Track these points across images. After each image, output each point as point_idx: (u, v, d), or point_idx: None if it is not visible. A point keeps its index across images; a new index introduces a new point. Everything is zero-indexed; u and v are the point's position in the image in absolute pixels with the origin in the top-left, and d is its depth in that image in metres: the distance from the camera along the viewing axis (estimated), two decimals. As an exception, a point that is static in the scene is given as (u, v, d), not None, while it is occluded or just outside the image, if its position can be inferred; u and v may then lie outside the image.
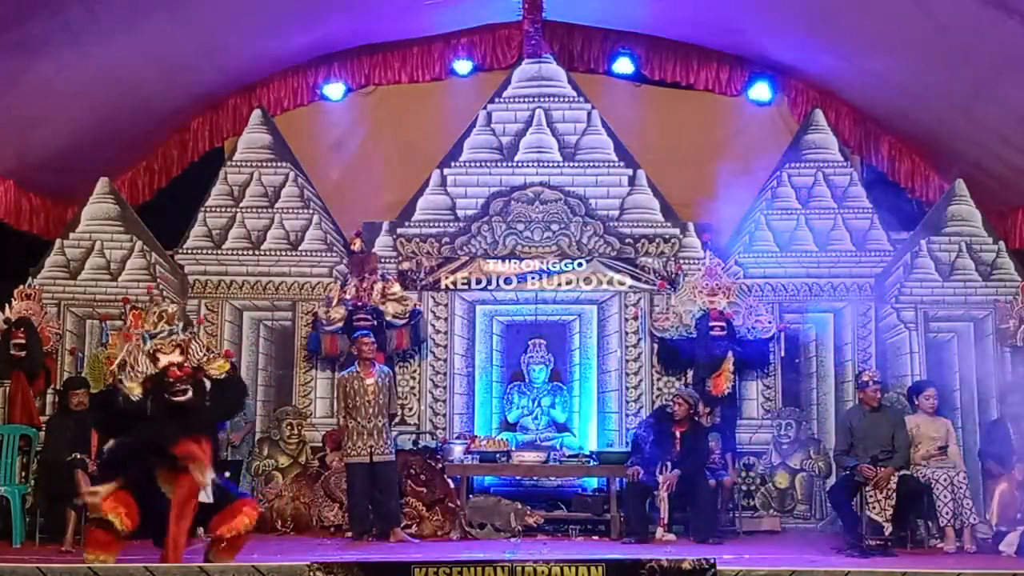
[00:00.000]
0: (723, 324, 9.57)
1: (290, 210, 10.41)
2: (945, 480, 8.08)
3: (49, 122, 9.70)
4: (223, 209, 10.40)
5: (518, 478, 9.63)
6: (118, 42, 9.26)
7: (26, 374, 9.05)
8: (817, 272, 10.19)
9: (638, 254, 10.19)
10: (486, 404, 10.27)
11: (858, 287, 10.17)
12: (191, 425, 6.15)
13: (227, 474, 8.01)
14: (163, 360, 6.21)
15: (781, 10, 10.01)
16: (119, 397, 6.23)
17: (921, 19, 8.98)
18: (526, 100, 10.61)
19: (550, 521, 9.08)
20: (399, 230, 10.33)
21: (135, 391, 6.19)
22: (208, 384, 6.31)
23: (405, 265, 10.22)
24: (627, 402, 10.05)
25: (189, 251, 10.32)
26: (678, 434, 8.67)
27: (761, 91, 11.18)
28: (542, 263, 10.20)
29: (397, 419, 9.26)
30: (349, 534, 8.62)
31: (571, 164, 10.45)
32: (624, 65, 11.22)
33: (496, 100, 10.62)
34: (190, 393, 6.18)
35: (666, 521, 8.50)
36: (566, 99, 10.62)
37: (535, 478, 9.58)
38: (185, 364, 6.22)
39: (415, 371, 10.16)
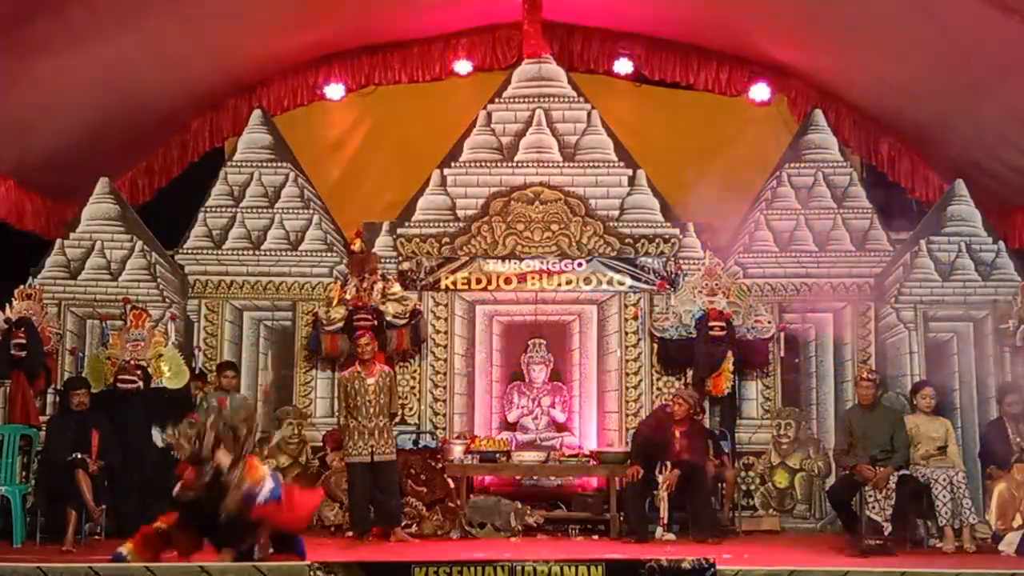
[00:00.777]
0: (723, 324, 9.58)
1: (290, 210, 10.41)
2: (944, 480, 8.09)
3: (49, 122, 9.71)
4: (223, 209, 10.40)
5: (518, 478, 9.63)
6: (118, 42, 9.27)
7: (26, 374, 9.05)
8: (817, 272, 10.19)
9: (638, 254, 10.19)
10: (486, 404, 10.27)
11: (858, 287, 10.17)
12: None
13: None
14: (218, 454, 6.19)
15: (781, 10, 10.01)
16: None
17: (921, 19, 8.99)
18: (526, 100, 10.61)
19: (550, 521, 9.09)
20: (399, 230, 10.34)
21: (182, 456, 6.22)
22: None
23: (405, 265, 10.22)
24: (627, 402, 10.05)
25: (189, 251, 10.32)
26: (678, 434, 8.67)
27: (761, 91, 11.18)
28: (542, 263, 10.20)
29: (397, 419, 9.26)
30: (349, 534, 8.63)
31: (571, 164, 10.45)
32: (624, 65, 11.22)
33: (496, 100, 10.63)
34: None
35: (666, 521, 8.51)
36: (566, 99, 10.62)
37: (535, 478, 9.58)
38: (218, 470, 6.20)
39: (415, 371, 10.16)
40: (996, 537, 8.01)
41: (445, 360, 10.18)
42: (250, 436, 6.42)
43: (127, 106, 10.14)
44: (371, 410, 8.50)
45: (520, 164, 10.47)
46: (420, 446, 9.45)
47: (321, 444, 9.68)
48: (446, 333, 10.19)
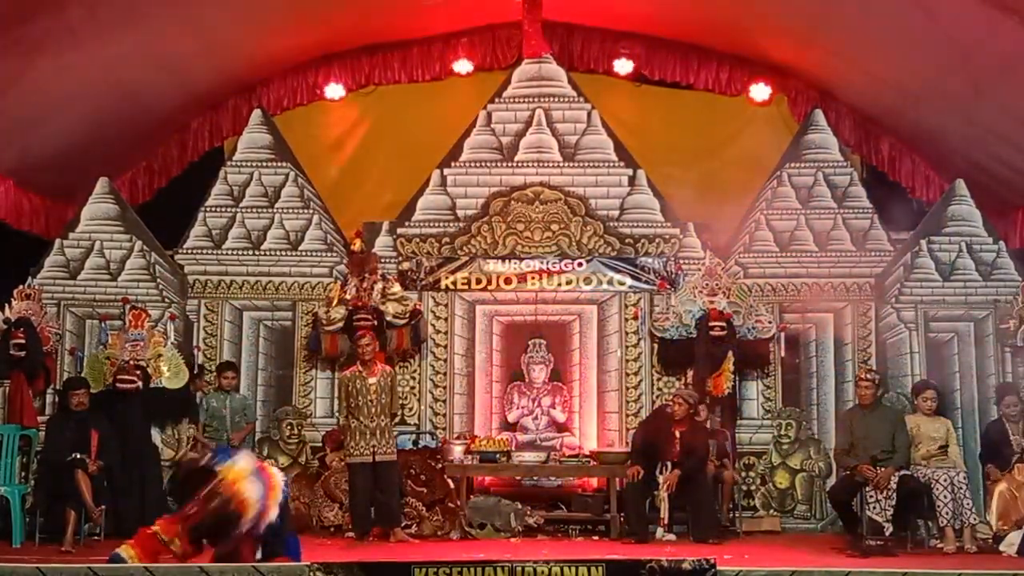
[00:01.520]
0: (723, 324, 9.57)
1: (290, 210, 10.41)
2: (945, 480, 8.08)
3: (49, 122, 9.70)
4: (223, 209, 10.39)
5: (518, 478, 9.62)
6: (118, 42, 9.26)
7: (26, 374, 9.04)
8: (817, 272, 10.19)
9: (638, 254, 10.18)
10: (486, 404, 10.27)
11: (858, 287, 10.17)
12: None
13: None
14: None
15: (781, 10, 10.01)
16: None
17: (921, 19, 8.99)
18: (526, 100, 10.60)
19: (550, 521, 9.08)
20: (399, 230, 10.33)
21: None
22: None
23: (405, 265, 10.22)
24: (627, 402, 10.04)
25: (189, 251, 10.31)
26: (678, 434, 8.67)
27: (761, 91, 11.18)
28: (542, 263, 10.20)
29: (397, 419, 9.25)
30: (349, 534, 8.63)
31: (571, 164, 10.44)
32: (624, 65, 11.21)
33: (496, 100, 10.62)
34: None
35: (666, 521, 8.51)
36: (566, 99, 10.61)
37: (535, 478, 9.58)
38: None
39: (415, 371, 10.15)
40: (997, 537, 8.01)
41: (445, 360, 10.17)
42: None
43: (127, 106, 10.14)
44: (372, 410, 8.52)
45: (520, 164, 10.46)
46: (420, 446, 9.44)
47: (321, 444, 9.68)
48: (446, 333, 10.19)
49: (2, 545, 8.08)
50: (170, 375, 9.35)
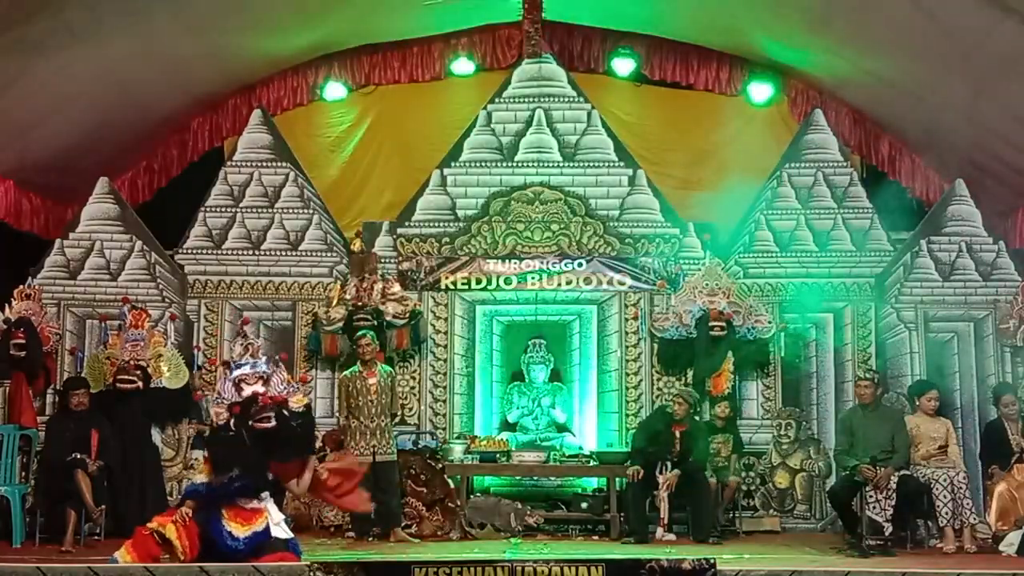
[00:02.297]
0: (723, 324, 9.57)
1: (290, 210, 10.41)
2: (945, 480, 8.07)
3: (49, 122, 9.70)
4: (223, 209, 10.39)
5: (518, 478, 9.62)
6: (118, 42, 9.25)
7: (26, 374, 9.04)
8: (817, 272, 10.18)
9: (638, 254, 10.19)
10: (486, 404, 10.27)
11: (858, 287, 10.17)
12: (274, 454, 6.35)
13: None
14: (247, 389, 6.44)
15: (781, 10, 10.01)
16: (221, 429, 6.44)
17: (921, 19, 8.98)
18: (526, 100, 10.61)
19: (550, 521, 9.08)
20: (399, 230, 10.33)
21: (221, 416, 6.45)
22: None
23: (405, 265, 10.22)
24: (627, 402, 10.04)
25: (189, 251, 10.31)
26: (678, 434, 8.67)
27: (761, 91, 11.17)
28: (542, 263, 10.20)
29: (397, 419, 9.25)
30: (349, 534, 8.63)
31: (571, 164, 10.44)
32: (624, 65, 11.21)
33: (496, 100, 10.62)
34: (274, 422, 6.36)
35: (666, 521, 8.51)
36: (566, 99, 10.61)
37: (535, 478, 9.57)
38: (268, 393, 6.42)
39: (415, 371, 10.15)
40: (997, 537, 8.00)
41: (445, 360, 10.17)
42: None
43: (126, 106, 10.13)
44: (373, 410, 8.53)
45: (520, 164, 10.46)
46: (420, 446, 9.43)
47: (321, 444, 9.66)
48: (446, 333, 10.18)
49: (2, 545, 8.08)
50: (170, 375, 9.35)
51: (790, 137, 10.73)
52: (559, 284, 10.18)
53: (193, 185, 10.82)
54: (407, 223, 10.37)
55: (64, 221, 10.44)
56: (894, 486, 8.01)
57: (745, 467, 9.68)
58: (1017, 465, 8.18)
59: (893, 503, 7.98)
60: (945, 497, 8.01)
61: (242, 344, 7.09)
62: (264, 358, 6.82)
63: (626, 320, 10.14)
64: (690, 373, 9.77)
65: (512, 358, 10.35)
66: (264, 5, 9.91)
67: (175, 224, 10.45)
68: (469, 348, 10.28)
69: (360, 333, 8.95)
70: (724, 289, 9.76)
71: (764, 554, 7.54)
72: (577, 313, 10.36)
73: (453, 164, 10.49)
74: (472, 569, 5.99)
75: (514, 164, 10.47)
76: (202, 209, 10.38)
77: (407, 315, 9.80)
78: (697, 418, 8.96)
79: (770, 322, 9.78)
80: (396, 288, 9.91)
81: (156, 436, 9.40)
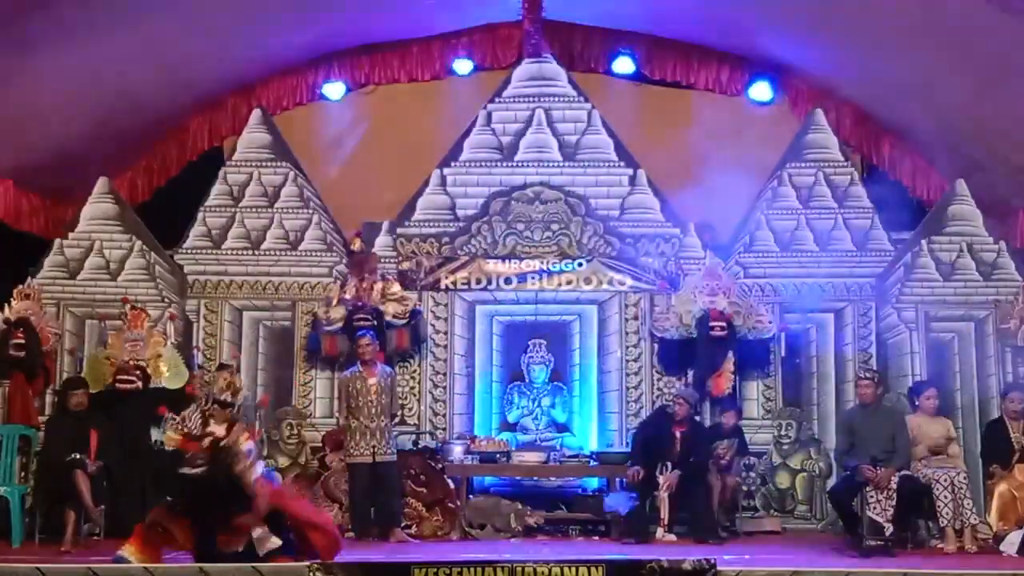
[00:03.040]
0: (723, 324, 9.56)
1: (290, 210, 10.40)
2: (945, 480, 8.06)
3: (48, 122, 9.69)
4: (223, 209, 10.39)
5: (518, 478, 9.61)
6: (117, 42, 9.25)
7: (25, 374, 9.03)
8: (817, 272, 10.18)
9: (638, 254, 10.18)
10: (486, 404, 10.26)
11: (859, 287, 10.16)
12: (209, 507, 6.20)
13: None
14: (210, 427, 6.31)
15: (781, 10, 10.00)
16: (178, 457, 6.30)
17: (922, 18, 8.99)
18: (526, 100, 10.60)
19: (550, 521, 9.07)
20: (399, 230, 10.33)
21: (173, 442, 6.31)
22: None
23: (405, 265, 10.21)
24: (627, 402, 10.04)
25: (189, 251, 10.30)
26: (678, 434, 8.66)
27: (761, 91, 11.17)
28: (542, 263, 10.19)
29: (397, 419, 9.25)
30: (349, 534, 8.61)
31: (571, 164, 10.44)
32: (624, 65, 11.21)
33: (496, 100, 10.62)
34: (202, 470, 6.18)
35: (666, 521, 8.50)
36: (566, 99, 10.61)
37: (535, 478, 9.56)
38: (216, 440, 6.25)
39: (415, 371, 10.14)
40: (997, 537, 7.99)
41: (445, 360, 10.16)
42: (236, 397, 6.68)
43: (125, 105, 10.12)
44: (373, 410, 8.52)
45: (520, 164, 10.46)
46: (420, 447, 9.43)
47: (320, 445, 9.66)
48: (446, 333, 10.18)
49: (2, 545, 8.07)
50: (170, 375, 9.34)
51: (790, 137, 10.72)
52: (559, 284, 10.17)
53: (192, 185, 10.81)
54: (407, 223, 10.36)
55: (63, 221, 10.42)
56: (895, 486, 8.00)
57: (746, 467, 9.67)
58: (1018, 464, 8.18)
59: (894, 503, 7.96)
60: (946, 497, 8.00)
61: (226, 379, 6.97)
62: (240, 400, 6.81)
63: (626, 320, 10.14)
64: (690, 373, 9.76)
65: (512, 358, 10.34)
66: (264, 5, 9.90)
67: (174, 224, 10.44)
68: (469, 348, 10.27)
69: (360, 333, 8.94)
70: (725, 289, 9.75)
71: (764, 555, 7.52)
72: (577, 313, 10.35)
73: (453, 164, 10.48)
74: (472, 569, 5.98)
75: (514, 164, 10.46)
76: (201, 209, 10.38)
77: (407, 315, 9.79)
78: (698, 418, 8.94)
79: (770, 322, 9.77)
80: (396, 288, 9.90)
81: (156, 436, 9.38)
